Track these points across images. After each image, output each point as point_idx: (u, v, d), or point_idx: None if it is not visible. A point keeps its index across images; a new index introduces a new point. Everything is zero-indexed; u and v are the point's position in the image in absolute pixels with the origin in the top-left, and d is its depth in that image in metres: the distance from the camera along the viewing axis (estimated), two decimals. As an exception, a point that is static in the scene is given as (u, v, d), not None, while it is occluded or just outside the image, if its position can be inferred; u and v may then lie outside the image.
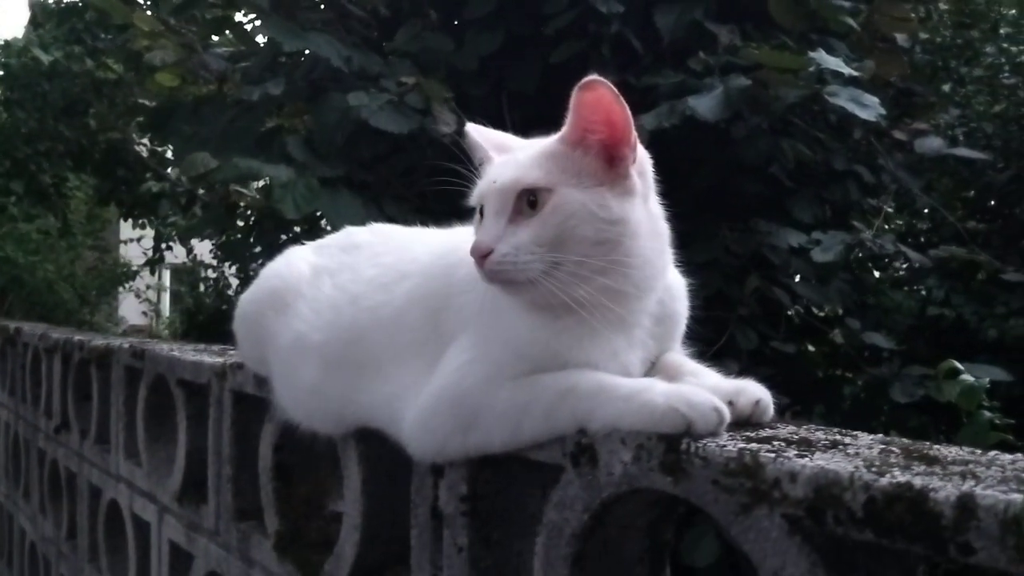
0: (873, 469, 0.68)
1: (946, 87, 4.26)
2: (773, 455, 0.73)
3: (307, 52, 3.56)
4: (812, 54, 3.05)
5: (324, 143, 3.23)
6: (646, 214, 0.93)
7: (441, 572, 1.12)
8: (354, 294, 1.19)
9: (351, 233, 1.36)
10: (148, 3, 6.77)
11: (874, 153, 3.92)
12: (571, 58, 3.68)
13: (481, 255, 0.89)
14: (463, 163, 3.54)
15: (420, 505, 1.15)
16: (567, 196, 0.88)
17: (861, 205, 4.23)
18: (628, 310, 0.92)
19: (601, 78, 0.87)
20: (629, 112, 0.88)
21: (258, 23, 4.82)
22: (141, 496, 2.09)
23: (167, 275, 11.72)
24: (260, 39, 4.64)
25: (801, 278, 3.62)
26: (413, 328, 1.09)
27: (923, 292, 4.13)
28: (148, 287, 10.52)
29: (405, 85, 3.33)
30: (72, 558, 2.64)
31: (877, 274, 4.46)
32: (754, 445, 0.77)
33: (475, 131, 1.04)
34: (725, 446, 0.77)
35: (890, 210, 4.30)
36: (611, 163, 0.90)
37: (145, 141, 8.38)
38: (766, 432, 0.84)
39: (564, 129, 0.92)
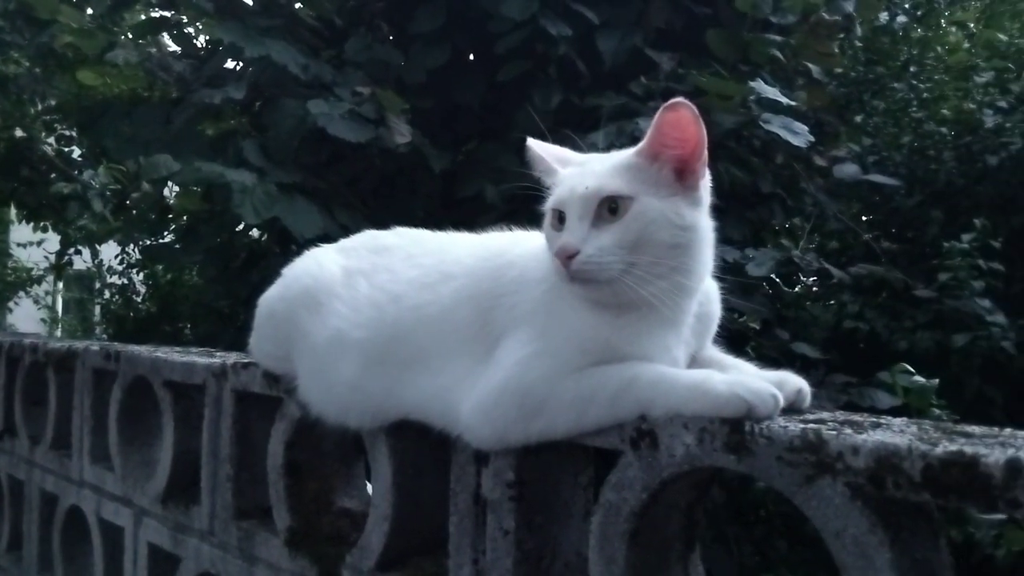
0: (925, 441, 0.80)
1: (858, 118, 4.61)
2: (835, 433, 0.85)
3: (254, 57, 3.55)
4: (752, 83, 3.27)
5: (279, 149, 3.23)
6: (707, 223, 1.04)
7: (483, 556, 1.19)
8: (396, 293, 1.25)
9: (376, 236, 1.42)
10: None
11: (796, 177, 4.21)
12: (516, 76, 3.81)
13: (567, 256, 0.97)
14: (413, 173, 3.57)
15: (461, 492, 1.22)
16: (648, 204, 0.98)
17: (774, 225, 4.53)
18: (682, 308, 1.03)
19: (685, 100, 0.97)
20: (705, 132, 0.99)
21: (189, 28, 4.73)
22: (112, 500, 2.05)
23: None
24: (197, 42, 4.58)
25: (728, 291, 3.84)
26: (462, 326, 1.16)
27: (836, 306, 4.44)
28: (47, 293, 10.01)
29: (361, 95, 3.37)
30: (14, 571, 2.53)
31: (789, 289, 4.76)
32: (812, 425, 0.88)
33: (537, 145, 1.12)
34: (787, 427, 0.89)
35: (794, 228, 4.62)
36: (683, 176, 1.01)
37: (51, 141, 7.99)
38: (813, 415, 0.96)
39: (643, 144, 1.01)
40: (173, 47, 4.70)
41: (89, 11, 5.50)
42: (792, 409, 0.99)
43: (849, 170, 3.98)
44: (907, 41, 4.71)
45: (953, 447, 0.78)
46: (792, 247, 3.79)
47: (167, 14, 4.29)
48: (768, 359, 3.96)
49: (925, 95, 4.29)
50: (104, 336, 8.43)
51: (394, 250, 1.34)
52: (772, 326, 4.01)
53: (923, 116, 4.24)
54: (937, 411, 1.92)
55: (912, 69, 4.46)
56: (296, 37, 3.71)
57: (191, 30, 4.91)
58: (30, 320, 9.78)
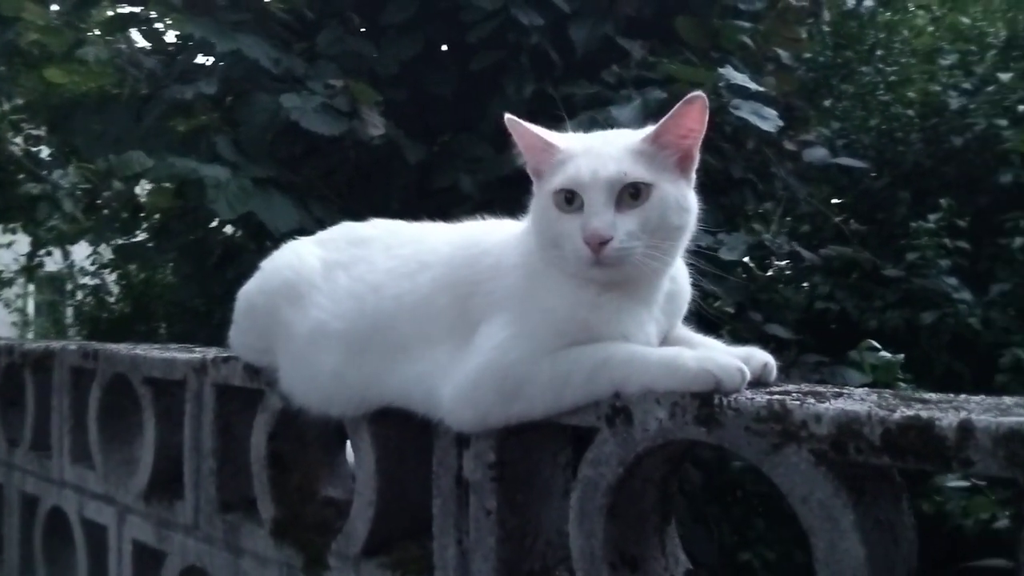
0: (883, 408, 0.84)
1: (827, 102, 4.67)
2: (798, 403, 0.89)
3: (225, 52, 3.53)
4: (721, 70, 3.31)
5: (253, 143, 3.22)
6: (697, 204, 1.09)
7: (466, 536, 1.22)
8: (375, 284, 1.27)
9: (353, 228, 1.44)
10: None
11: (766, 162, 4.27)
12: (489, 66, 3.83)
13: (600, 242, 1.00)
14: (388, 165, 3.57)
15: (444, 475, 1.25)
16: (666, 191, 1.03)
17: (747, 210, 4.60)
18: (659, 286, 1.07)
19: (702, 94, 1.02)
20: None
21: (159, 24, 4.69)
22: (95, 499, 2.06)
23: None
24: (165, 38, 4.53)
25: (702, 275, 3.89)
26: (441, 313, 1.18)
27: (808, 288, 4.52)
28: (18, 296, 9.87)
29: (333, 88, 3.37)
30: (-4, 574, 2.53)
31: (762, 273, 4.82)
32: (777, 397, 0.92)
33: (521, 122, 1.10)
34: (754, 398, 0.92)
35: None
36: (683, 161, 1.06)
37: (19, 141, 7.87)
38: (778, 388, 0.99)
39: (655, 131, 1.05)
40: (143, 43, 4.66)
41: (55, 7, 5.42)
42: (759, 383, 1.02)
43: (818, 154, 4.04)
44: (874, 25, 4.78)
45: (910, 412, 0.82)
46: (764, 231, 3.85)
47: (136, 10, 4.25)
48: (743, 341, 4.03)
49: (892, 78, 4.37)
50: (78, 338, 8.33)
51: (372, 241, 1.36)
52: (746, 309, 4.07)
53: (890, 99, 4.31)
54: (904, 385, 1.98)
55: (879, 53, 4.52)
56: (267, 31, 3.69)
57: (160, 26, 4.86)
58: (1, 324, 9.65)
